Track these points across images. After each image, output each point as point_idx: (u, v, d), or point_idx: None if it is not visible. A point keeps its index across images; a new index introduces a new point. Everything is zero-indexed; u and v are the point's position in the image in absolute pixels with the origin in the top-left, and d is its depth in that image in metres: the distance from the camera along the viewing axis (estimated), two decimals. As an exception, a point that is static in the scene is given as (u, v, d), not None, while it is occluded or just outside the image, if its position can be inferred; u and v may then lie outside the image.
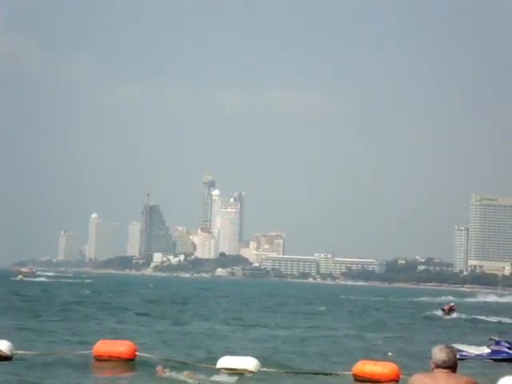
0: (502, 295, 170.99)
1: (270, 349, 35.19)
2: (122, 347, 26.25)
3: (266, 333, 44.61)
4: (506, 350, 34.65)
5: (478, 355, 34.26)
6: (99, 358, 25.99)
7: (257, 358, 26.84)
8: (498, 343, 35.18)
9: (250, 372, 25.49)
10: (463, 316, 72.07)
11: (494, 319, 70.87)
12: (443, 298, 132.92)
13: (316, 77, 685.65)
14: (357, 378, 25.40)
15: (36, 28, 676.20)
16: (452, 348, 8.30)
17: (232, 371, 25.48)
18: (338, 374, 26.86)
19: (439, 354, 8.19)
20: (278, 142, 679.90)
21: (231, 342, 37.37)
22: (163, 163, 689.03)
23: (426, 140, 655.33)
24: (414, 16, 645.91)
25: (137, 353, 26.52)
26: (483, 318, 72.20)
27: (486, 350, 34.94)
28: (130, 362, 26.20)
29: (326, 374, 27.20)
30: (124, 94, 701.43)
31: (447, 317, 70.90)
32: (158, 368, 24.93)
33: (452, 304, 78.60)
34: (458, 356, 8.40)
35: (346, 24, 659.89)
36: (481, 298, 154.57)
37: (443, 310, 74.59)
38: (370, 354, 31.11)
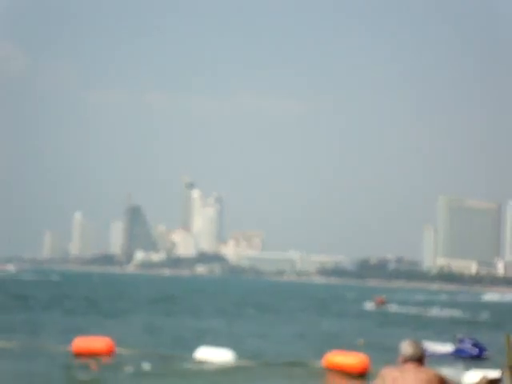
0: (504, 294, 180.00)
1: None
2: (100, 343, 26.00)
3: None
4: (469, 347, 34.67)
5: (442, 353, 34.24)
6: (78, 354, 25.72)
7: (232, 349, 26.77)
8: (461, 341, 35.21)
9: (226, 363, 25.37)
10: (393, 308, 79.04)
11: (418, 311, 76.75)
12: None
13: (290, 81, 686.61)
14: (327, 368, 25.29)
15: (19, 33, 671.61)
16: (418, 342, 8.39)
17: (208, 362, 25.38)
18: (308, 364, 26.75)
19: (407, 348, 8.26)
20: (255, 144, 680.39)
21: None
22: (145, 165, 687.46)
23: (398, 142, 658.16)
24: (393, 16, 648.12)
25: (115, 348, 26.30)
26: (404, 309, 78.12)
27: (449, 348, 34.97)
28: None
29: (295, 364, 27.11)
30: (107, 97, 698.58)
31: (377, 309, 78.01)
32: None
33: (383, 297, 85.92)
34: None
35: (326, 28, 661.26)
36: (484, 297, 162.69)
37: (376, 303, 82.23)
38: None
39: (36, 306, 57.59)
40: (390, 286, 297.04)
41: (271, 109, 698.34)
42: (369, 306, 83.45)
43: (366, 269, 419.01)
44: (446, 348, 34.92)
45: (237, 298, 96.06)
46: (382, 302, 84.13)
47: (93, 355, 25.69)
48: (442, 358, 32.99)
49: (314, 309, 74.98)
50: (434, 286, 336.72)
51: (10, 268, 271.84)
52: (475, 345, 34.90)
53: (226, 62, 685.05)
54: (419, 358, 8.26)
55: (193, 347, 28.06)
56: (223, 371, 24.81)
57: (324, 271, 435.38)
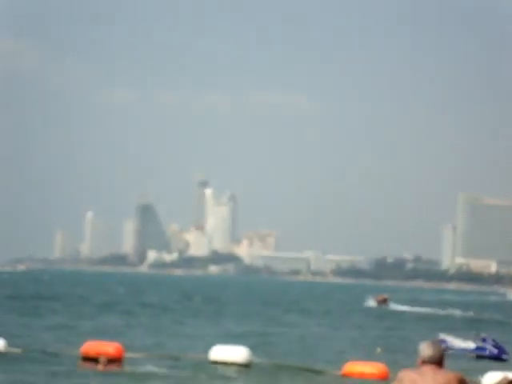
0: None
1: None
2: (109, 348, 25.93)
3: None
4: (490, 347, 34.56)
5: (462, 349, 34.18)
6: (87, 358, 25.69)
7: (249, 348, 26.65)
8: (483, 340, 35.13)
9: (241, 362, 25.30)
10: (395, 307, 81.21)
11: (418, 309, 78.36)
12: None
13: (302, 79, 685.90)
14: (346, 377, 25.38)
15: (31, 30, 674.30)
16: (439, 344, 8.33)
17: (223, 361, 25.33)
18: (329, 373, 26.74)
19: (426, 350, 8.22)
20: (270, 143, 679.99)
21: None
22: (158, 163, 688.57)
23: (415, 140, 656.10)
24: (405, 16, 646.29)
25: (124, 353, 26.21)
26: (408, 308, 79.79)
27: (471, 345, 34.87)
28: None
29: (316, 372, 27.05)
30: (118, 95, 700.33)
31: (380, 306, 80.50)
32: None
33: (385, 296, 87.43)
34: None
35: (334, 24, 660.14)
36: (505, 297, 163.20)
37: (377, 301, 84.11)
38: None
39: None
40: (407, 286, 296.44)
41: (285, 106, 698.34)
42: (370, 303, 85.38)
43: (382, 268, 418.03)
44: (467, 344, 34.82)
45: (274, 300, 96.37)
46: (384, 301, 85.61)
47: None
48: (462, 354, 32.90)
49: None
50: (452, 286, 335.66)
51: (21, 268, 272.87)
52: (496, 346, 34.78)
53: (239, 58, 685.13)
54: (439, 360, 8.20)
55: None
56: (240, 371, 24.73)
57: (340, 271, 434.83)
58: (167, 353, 29.04)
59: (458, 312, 79.56)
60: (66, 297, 73.84)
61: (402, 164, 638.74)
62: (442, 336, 34.30)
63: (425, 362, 8.23)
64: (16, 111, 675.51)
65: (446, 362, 8.22)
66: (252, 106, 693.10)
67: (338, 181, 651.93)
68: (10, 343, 27.98)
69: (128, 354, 26.40)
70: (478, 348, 34.55)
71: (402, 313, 74.55)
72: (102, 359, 24.56)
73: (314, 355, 32.65)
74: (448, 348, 32.43)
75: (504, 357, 34.02)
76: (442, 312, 78.52)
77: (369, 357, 28.87)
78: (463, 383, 8.17)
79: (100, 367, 24.12)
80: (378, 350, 34.02)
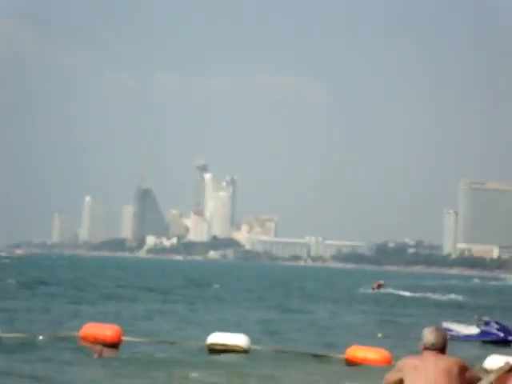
0: None
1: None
2: (107, 331, 25.93)
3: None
4: (495, 331, 34.37)
5: (466, 336, 34.02)
6: (85, 341, 25.71)
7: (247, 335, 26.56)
8: (487, 324, 34.89)
9: (241, 349, 25.22)
10: (389, 291, 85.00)
11: (413, 294, 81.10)
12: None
13: (305, 62, 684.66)
14: (349, 362, 25.52)
15: (32, 13, 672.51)
16: (442, 331, 8.40)
17: (222, 347, 25.25)
18: (332, 357, 26.80)
19: (428, 336, 8.28)
20: (269, 126, 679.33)
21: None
22: (156, 147, 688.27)
23: (416, 125, 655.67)
24: (411, 7, 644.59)
25: (123, 337, 26.17)
26: (400, 292, 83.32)
27: (475, 331, 34.70)
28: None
29: (317, 356, 27.04)
30: (117, 78, 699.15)
31: (375, 291, 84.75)
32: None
33: (381, 282, 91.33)
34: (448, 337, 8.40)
35: (341, 10, 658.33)
36: (505, 282, 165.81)
37: (373, 288, 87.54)
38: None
39: None
40: (408, 271, 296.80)
41: (286, 89, 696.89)
42: (365, 289, 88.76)
43: (383, 254, 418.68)
44: (471, 330, 34.66)
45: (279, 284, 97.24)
46: (379, 286, 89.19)
47: (100, 342, 25.54)
48: (466, 341, 32.76)
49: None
50: (454, 271, 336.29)
51: (19, 253, 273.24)
52: (501, 328, 34.57)
53: (237, 39, 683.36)
54: (441, 347, 8.24)
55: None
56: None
57: (340, 257, 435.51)
58: (165, 338, 28.86)
59: (456, 297, 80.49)
60: (70, 282, 73.95)
61: (404, 149, 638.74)
62: (445, 324, 34.10)
63: (427, 348, 8.26)
64: (14, 95, 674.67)
65: (451, 349, 8.07)
66: (252, 88, 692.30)
67: (339, 166, 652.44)
68: (8, 329, 27.94)
69: (126, 338, 26.29)
70: (482, 332, 34.37)
71: (402, 298, 75.18)
72: (97, 348, 24.42)
73: (319, 341, 32.67)
74: (452, 336, 32.27)
75: (511, 338, 33.85)
76: (442, 297, 79.43)
77: (371, 342, 28.79)
78: (465, 369, 8.22)
79: (95, 356, 24.00)
80: (379, 335, 34.05)
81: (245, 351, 25.25)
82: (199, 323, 37.18)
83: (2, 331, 26.66)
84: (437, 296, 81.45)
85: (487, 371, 20.43)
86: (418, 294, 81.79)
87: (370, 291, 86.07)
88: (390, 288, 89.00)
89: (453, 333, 33.03)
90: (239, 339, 25.68)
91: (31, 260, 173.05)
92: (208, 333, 27.05)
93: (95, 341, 25.49)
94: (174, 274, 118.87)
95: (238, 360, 24.33)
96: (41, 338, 26.86)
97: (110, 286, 70.03)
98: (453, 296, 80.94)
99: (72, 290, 60.20)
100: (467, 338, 33.59)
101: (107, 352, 24.60)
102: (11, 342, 26.03)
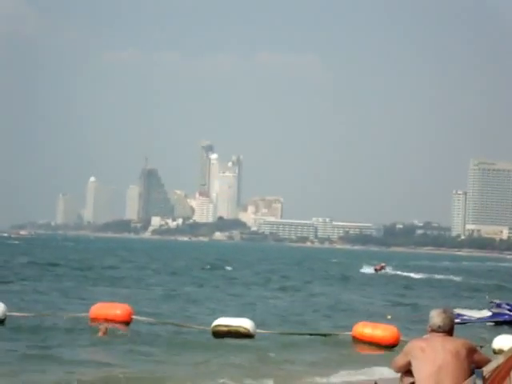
0: None
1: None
2: (118, 310, 26.14)
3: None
4: (507, 312, 34.49)
5: (479, 319, 34.14)
6: (95, 321, 25.91)
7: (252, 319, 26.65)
8: (498, 306, 35.02)
9: (245, 333, 25.27)
10: (390, 272, 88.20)
11: (416, 275, 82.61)
12: None
13: (310, 41, 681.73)
14: (356, 339, 25.44)
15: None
16: (449, 313, 8.41)
17: (227, 331, 25.35)
18: (338, 335, 26.84)
19: (435, 318, 8.29)
20: (276, 106, 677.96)
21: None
22: (162, 127, 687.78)
23: (424, 104, 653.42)
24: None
25: (133, 316, 26.40)
26: (405, 274, 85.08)
27: (487, 314, 34.80)
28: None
29: (324, 335, 27.11)
30: (119, 57, 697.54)
31: (378, 273, 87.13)
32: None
33: (383, 264, 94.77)
34: (458, 320, 8.48)
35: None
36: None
37: (375, 269, 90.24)
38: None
39: None
40: (416, 252, 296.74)
41: (293, 68, 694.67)
42: (366, 270, 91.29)
43: (391, 235, 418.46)
44: (483, 314, 34.78)
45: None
46: (382, 268, 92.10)
47: (109, 322, 25.78)
48: (480, 325, 32.94)
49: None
50: (463, 253, 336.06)
51: (23, 234, 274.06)
52: None
53: (242, 18, 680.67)
54: (448, 329, 8.22)
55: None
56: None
57: (348, 238, 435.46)
58: (174, 321, 29.08)
59: (459, 278, 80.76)
60: (79, 263, 74.38)
61: (413, 129, 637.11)
62: (457, 310, 34.20)
63: (434, 330, 8.25)
64: (15, 74, 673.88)
65: (461, 332, 8.15)
66: (259, 68, 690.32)
67: (347, 147, 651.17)
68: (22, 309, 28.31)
69: (136, 317, 26.53)
70: (494, 315, 34.49)
71: (408, 279, 75.44)
72: (102, 326, 24.69)
73: (326, 321, 32.94)
74: (464, 320, 32.48)
75: None
76: (455, 278, 79.81)
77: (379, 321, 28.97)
78: (473, 350, 8.24)
79: (100, 334, 24.29)
80: (389, 316, 34.28)
81: (250, 335, 25.24)
82: (208, 306, 37.40)
83: (10, 311, 26.93)
84: (447, 277, 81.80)
85: (495, 353, 20.64)
86: (425, 276, 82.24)
87: (370, 271, 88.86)
88: (397, 270, 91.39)
89: (464, 317, 33.20)
90: (244, 323, 25.69)
91: (38, 241, 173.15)
92: (219, 315, 27.37)
93: (105, 321, 25.72)
94: (184, 255, 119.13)
95: (244, 342, 24.49)
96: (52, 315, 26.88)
97: (119, 267, 70.41)
98: (457, 278, 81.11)
99: (81, 271, 60.58)
100: (480, 321, 33.73)
101: (114, 331, 24.87)
102: (20, 322, 26.32)
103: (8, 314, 25.78)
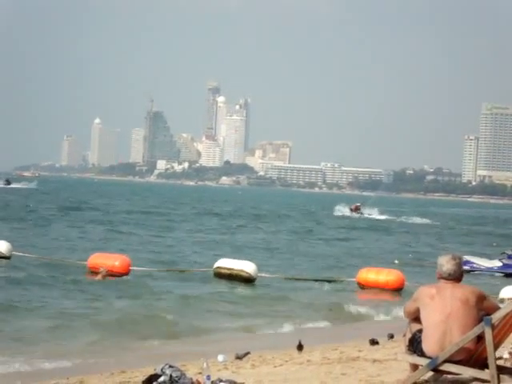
0: None
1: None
2: (116, 261, 26.12)
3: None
4: None
5: (488, 268, 33.95)
6: (93, 271, 25.99)
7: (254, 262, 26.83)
8: (510, 257, 34.79)
9: (248, 275, 25.52)
10: (365, 215, 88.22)
11: (382, 217, 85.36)
12: None
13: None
14: (361, 285, 25.83)
15: None
16: (458, 259, 8.35)
17: (229, 272, 25.63)
18: (342, 281, 27.21)
19: (445, 265, 8.24)
20: (286, 48, 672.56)
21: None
22: (167, 68, 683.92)
23: (435, 48, 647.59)
24: None
25: (131, 267, 26.40)
26: (374, 216, 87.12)
27: (497, 264, 34.57)
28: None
29: (329, 281, 27.34)
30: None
31: (354, 215, 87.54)
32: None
33: (358, 204, 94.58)
34: (467, 267, 8.28)
35: None
36: None
37: (351, 209, 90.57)
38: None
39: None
40: (426, 199, 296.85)
41: (303, 9, 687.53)
42: (343, 210, 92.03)
43: (401, 181, 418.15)
44: (494, 263, 34.58)
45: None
46: (356, 208, 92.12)
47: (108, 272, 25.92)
48: (488, 273, 32.84)
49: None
50: (473, 199, 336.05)
51: (27, 175, 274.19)
52: None
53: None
54: (457, 276, 8.18)
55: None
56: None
57: (357, 184, 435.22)
58: (173, 267, 29.15)
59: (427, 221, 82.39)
60: (101, 207, 75.26)
61: (424, 74, 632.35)
62: (467, 257, 34.00)
63: (443, 277, 8.21)
64: (19, 13, 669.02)
65: (469, 281, 7.89)
66: (267, 8, 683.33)
67: (357, 91, 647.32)
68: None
69: (134, 268, 26.60)
70: (505, 265, 34.25)
71: (417, 226, 75.56)
72: (102, 270, 24.81)
73: (331, 267, 33.11)
74: (473, 268, 32.43)
75: None
76: (416, 220, 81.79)
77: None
78: (482, 298, 8.26)
79: (98, 277, 24.40)
80: (396, 261, 34.63)
81: (251, 279, 25.54)
82: (219, 249, 38.00)
83: (16, 251, 28.01)
84: (418, 221, 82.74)
85: (503, 301, 20.44)
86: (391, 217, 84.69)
87: (346, 213, 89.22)
88: (373, 213, 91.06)
89: (473, 265, 33.02)
90: (246, 266, 25.92)
91: (51, 185, 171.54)
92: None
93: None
94: (200, 200, 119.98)
95: (243, 289, 24.64)
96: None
97: (132, 212, 70.83)
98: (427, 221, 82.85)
99: (103, 216, 61.29)
100: (489, 271, 33.55)
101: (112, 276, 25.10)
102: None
103: (13, 252, 27.84)
